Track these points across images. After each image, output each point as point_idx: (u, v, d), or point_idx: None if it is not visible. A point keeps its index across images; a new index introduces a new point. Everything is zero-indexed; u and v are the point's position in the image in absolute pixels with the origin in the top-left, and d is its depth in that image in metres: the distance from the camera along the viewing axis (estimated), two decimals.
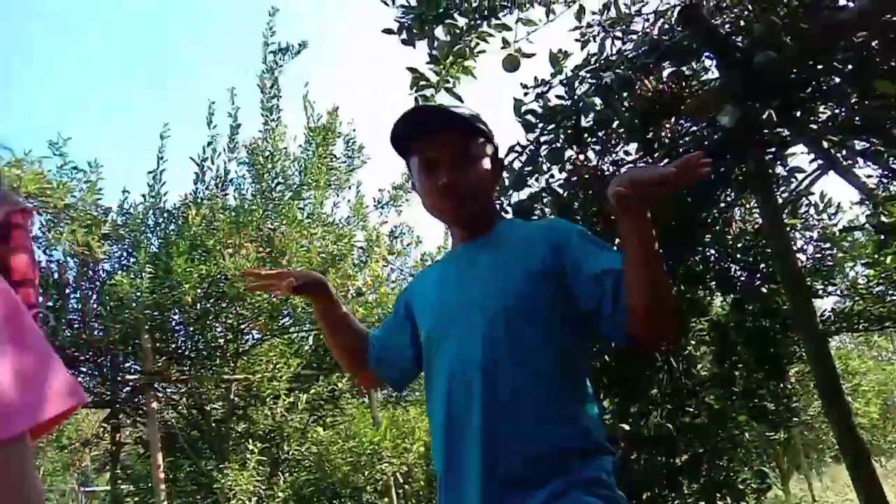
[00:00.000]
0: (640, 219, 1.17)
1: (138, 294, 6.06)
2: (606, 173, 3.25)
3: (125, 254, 7.06)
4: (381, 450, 7.16)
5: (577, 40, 3.44)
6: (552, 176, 3.08)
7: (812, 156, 4.05)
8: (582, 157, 3.02)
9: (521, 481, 1.24)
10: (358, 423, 7.45)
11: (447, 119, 1.48)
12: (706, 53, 3.23)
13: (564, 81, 3.06)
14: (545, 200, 3.03)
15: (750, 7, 3.06)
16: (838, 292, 5.00)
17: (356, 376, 1.64)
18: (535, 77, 3.16)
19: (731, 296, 3.88)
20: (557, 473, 1.23)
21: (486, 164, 1.48)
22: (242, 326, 6.86)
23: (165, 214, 7.08)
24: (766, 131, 3.49)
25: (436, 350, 1.41)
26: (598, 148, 3.14)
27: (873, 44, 3.27)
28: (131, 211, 7.07)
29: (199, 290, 6.25)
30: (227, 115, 7.19)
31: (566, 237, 1.40)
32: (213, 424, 6.91)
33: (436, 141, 1.44)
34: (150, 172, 7.02)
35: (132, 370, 6.80)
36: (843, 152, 4.01)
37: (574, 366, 1.36)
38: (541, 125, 2.93)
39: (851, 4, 3.04)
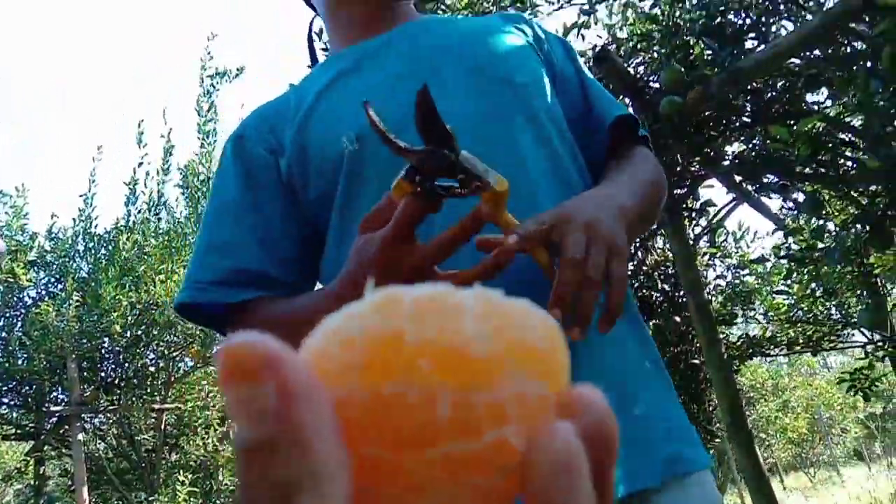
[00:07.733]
0: None
1: (65, 322, 5.92)
2: None
3: (53, 280, 6.88)
4: None
5: None
6: None
7: (726, 189, 4.29)
8: None
9: None
10: None
11: None
12: (621, 95, 3.39)
13: None
14: None
15: (657, 53, 3.24)
16: (756, 318, 5.22)
17: None
18: None
19: (651, 322, 4.05)
20: None
21: None
22: (174, 354, 6.74)
23: (96, 239, 6.93)
24: (678, 168, 3.68)
25: None
26: None
27: (777, 86, 3.51)
28: (60, 236, 6.91)
29: (128, 318, 6.13)
30: (160, 137, 7.12)
31: (536, 29, 1.02)
32: (144, 455, 6.75)
33: None
34: (81, 196, 6.89)
35: (58, 400, 6.61)
36: (758, 185, 4.24)
37: None
38: None
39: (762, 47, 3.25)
